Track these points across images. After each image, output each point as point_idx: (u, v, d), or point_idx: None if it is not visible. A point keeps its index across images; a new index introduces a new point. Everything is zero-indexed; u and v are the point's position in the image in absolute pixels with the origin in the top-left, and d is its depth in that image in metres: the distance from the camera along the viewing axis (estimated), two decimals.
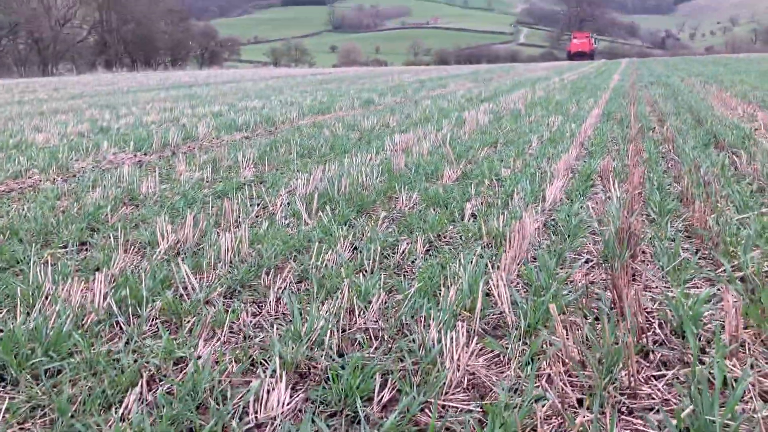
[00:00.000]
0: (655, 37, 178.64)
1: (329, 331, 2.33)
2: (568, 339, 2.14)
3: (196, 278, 2.98)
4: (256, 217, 4.25)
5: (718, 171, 5.01)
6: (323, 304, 2.65)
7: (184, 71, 49.60)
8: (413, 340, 2.29)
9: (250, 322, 2.61)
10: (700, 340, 2.29)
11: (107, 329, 2.51)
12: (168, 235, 3.59)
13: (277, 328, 2.48)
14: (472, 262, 3.00)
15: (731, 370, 2.04)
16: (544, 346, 2.25)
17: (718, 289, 2.68)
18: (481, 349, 2.29)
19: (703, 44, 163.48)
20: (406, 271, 3.15)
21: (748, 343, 2.25)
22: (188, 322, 2.58)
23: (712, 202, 3.93)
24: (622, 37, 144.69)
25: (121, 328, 2.55)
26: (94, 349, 2.29)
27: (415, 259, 3.29)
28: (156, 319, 2.64)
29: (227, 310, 2.65)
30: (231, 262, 3.28)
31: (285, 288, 2.91)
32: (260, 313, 2.71)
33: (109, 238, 3.69)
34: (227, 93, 18.93)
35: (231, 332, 2.53)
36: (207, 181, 5.48)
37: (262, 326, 2.57)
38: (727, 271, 2.84)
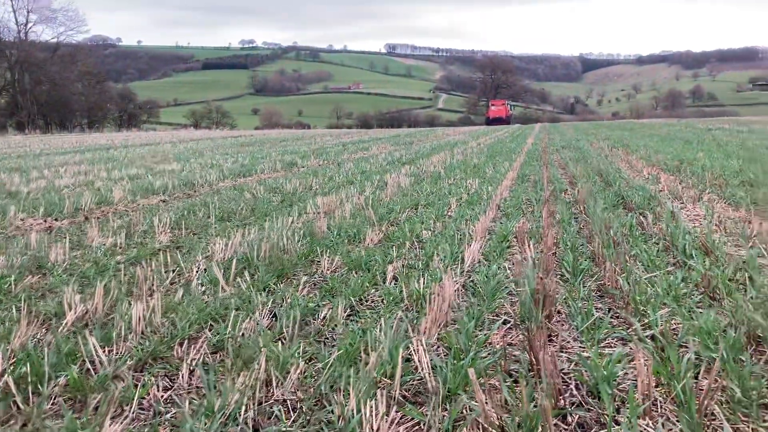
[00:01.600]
0: (565, 103, 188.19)
1: (244, 405, 2.25)
2: (487, 404, 2.13)
3: (104, 351, 2.83)
4: (171, 284, 4.11)
5: (626, 231, 5.24)
6: (239, 376, 2.56)
7: (101, 133, 48.42)
8: (332, 411, 2.23)
9: (162, 396, 2.49)
10: (615, 400, 2.33)
11: (1, 411, 2.33)
12: (76, 305, 3.41)
13: (189, 403, 2.37)
14: (393, 326, 2.98)
15: (644, 429, 2.08)
16: (465, 411, 2.24)
17: (631, 348, 2.76)
18: (401, 417, 2.25)
19: (610, 110, 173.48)
20: (327, 338, 3.10)
21: (660, 401, 2.31)
22: (94, 399, 2.43)
23: (621, 261, 4.09)
24: (535, 103, 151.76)
25: (18, 408, 2.37)
26: None
27: (336, 325, 3.24)
28: (59, 397, 2.48)
29: (137, 385, 2.52)
30: (143, 333, 3.14)
31: (199, 359, 2.80)
32: (172, 386, 2.59)
33: (11, 309, 3.47)
34: (145, 156, 18.55)
35: (141, 408, 2.40)
36: (120, 248, 5.28)
37: (174, 401, 2.45)
38: (637, 330, 2.93)
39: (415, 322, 3.20)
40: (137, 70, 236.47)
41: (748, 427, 2.15)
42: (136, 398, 2.41)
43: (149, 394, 2.48)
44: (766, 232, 4.98)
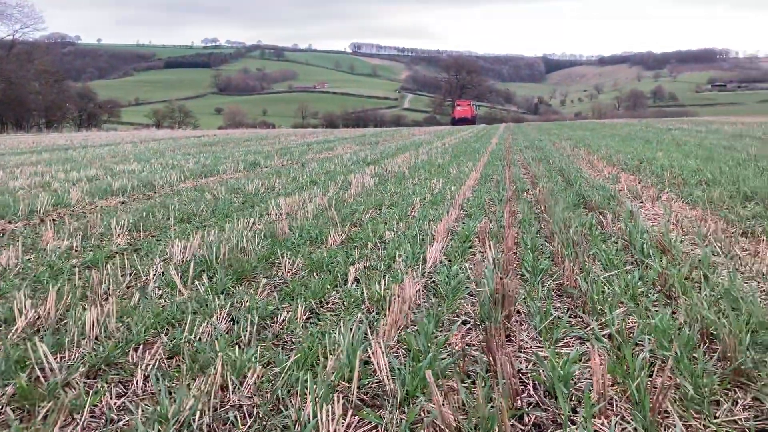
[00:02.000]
0: (529, 103, 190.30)
1: (199, 411, 2.20)
2: (444, 406, 2.13)
3: (56, 358, 2.75)
4: (128, 288, 4.02)
5: (586, 231, 5.30)
6: (195, 381, 2.51)
7: (60, 133, 47.35)
8: (289, 416, 2.20)
9: (115, 404, 2.43)
10: (571, 399, 2.35)
11: None
12: (27, 310, 3.32)
13: (143, 410, 2.31)
14: (352, 329, 2.96)
15: (599, 428, 2.10)
16: (422, 414, 2.23)
17: (588, 348, 2.78)
18: (359, 421, 2.23)
19: (573, 110, 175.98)
20: (286, 342, 3.07)
21: (615, 400, 2.34)
22: (43, 407, 2.36)
23: (580, 261, 4.13)
24: (499, 103, 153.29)
25: None
26: None
27: (296, 328, 3.21)
28: (6, 406, 2.40)
29: (89, 392, 2.46)
30: (97, 339, 3.06)
31: (154, 365, 2.74)
32: (126, 393, 2.53)
33: None
34: (105, 156, 18.20)
35: (92, 417, 2.34)
36: (76, 251, 5.16)
37: (128, 408, 2.39)
38: (594, 329, 2.96)
39: (375, 324, 3.18)
40: (97, 68, 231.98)
41: (700, 423, 2.18)
42: (87, 406, 2.34)
43: (101, 401, 2.41)
44: (721, 231, 5.08)
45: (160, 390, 2.36)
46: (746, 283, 3.78)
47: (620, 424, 2.15)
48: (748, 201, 6.54)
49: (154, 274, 4.23)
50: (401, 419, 2.20)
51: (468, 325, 3.24)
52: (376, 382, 2.52)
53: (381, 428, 2.18)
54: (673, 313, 3.22)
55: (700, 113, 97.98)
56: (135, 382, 2.59)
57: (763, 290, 3.65)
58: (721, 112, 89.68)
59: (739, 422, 2.20)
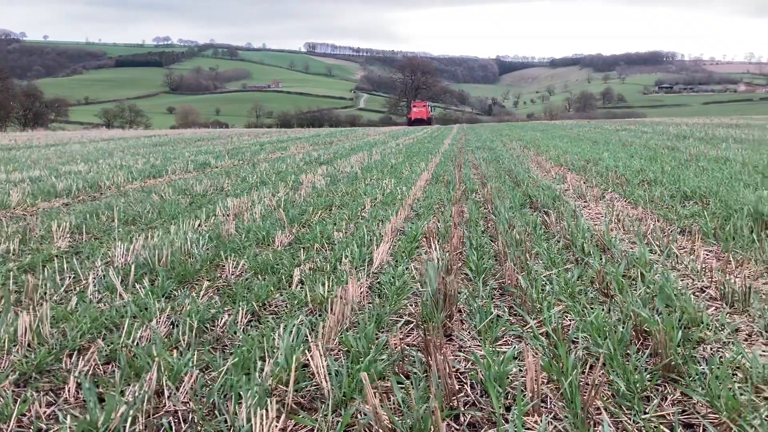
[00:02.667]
0: (483, 104, 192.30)
1: (131, 418, 2.16)
2: (380, 407, 2.13)
3: None
4: (66, 292, 3.92)
5: (530, 230, 5.38)
6: (129, 387, 2.46)
7: (3, 133, 45.91)
8: (225, 421, 2.18)
9: (44, 412, 2.36)
10: (507, 397, 2.38)
11: None
12: None
13: (73, 419, 2.26)
14: (292, 332, 2.94)
15: (532, 426, 2.13)
16: (358, 416, 2.23)
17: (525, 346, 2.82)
18: (295, 425, 2.22)
19: (525, 111, 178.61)
20: (226, 345, 3.03)
21: (549, 398, 2.38)
22: None
23: (522, 260, 4.19)
24: (454, 104, 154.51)
25: None
26: None
27: (236, 332, 3.17)
28: None
29: (17, 401, 2.38)
30: (29, 345, 2.98)
31: (88, 371, 2.68)
32: (56, 402, 2.46)
33: None
34: (51, 156, 17.72)
35: (19, 426, 2.27)
36: (14, 254, 5.01)
37: (57, 417, 2.33)
38: (532, 327, 3.01)
39: (316, 326, 3.17)
40: (44, 66, 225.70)
41: (630, 419, 2.24)
42: (14, 415, 2.28)
43: (30, 410, 2.35)
44: (660, 230, 5.22)
45: (88, 397, 2.30)
46: (681, 280, 3.89)
47: (551, 423, 2.19)
48: (687, 200, 6.74)
49: (94, 278, 4.13)
50: (336, 421, 2.20)
51: (410, 326, 3.25)
52: (314, 385, 2.51)
53: (316, 431, 2.17)
54: (609, 310, 3.30)
55: (647, 114, 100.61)
56: (67, 390, 2.52)
57: (697, 287, 3.77)
58: (668, 114, 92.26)
59: (668, 417, 2.26)
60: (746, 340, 2.94)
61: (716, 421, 2.19)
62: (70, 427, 2.17)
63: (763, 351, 2.77)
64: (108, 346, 2.96)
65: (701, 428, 2.18)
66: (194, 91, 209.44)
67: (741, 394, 2.30)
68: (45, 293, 3.83)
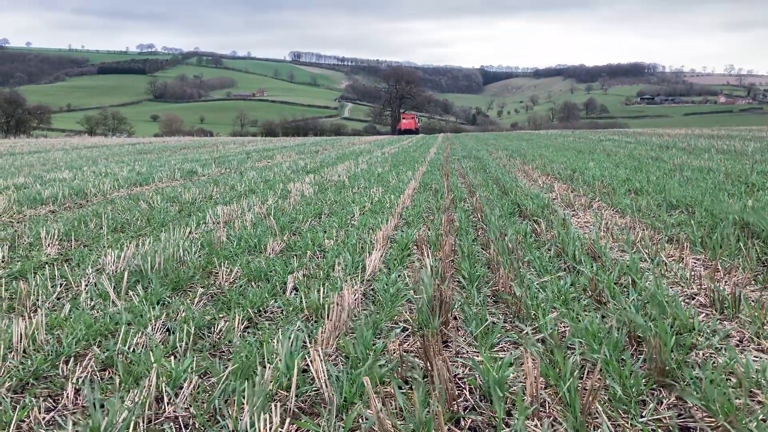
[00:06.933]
0: (467, 114, 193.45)
1: (132, 424, 2.16)
2: (382, 412, 2.15)
3: None
4: (58, 299, 3.90)
5: (521, 238, 5.43)
6: (129, 393, 2.46)
7: None
8: (226, 426, 2.18)
9: (44, 418, 2.35)
10: (506, 402, 2.41)
11: None
12: None
13: (74, 424, 2.25)
14: (290, 337, 2.95)
15: (533, 430, 2.16)
16: (360, 420, 2.24)
17: (522, 352, 2.85)
18: (297, 430, 2.23)
19: (509, 120, 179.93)
20: (223, 352, 3.03)
21: (548, 402, 2.40)
22: None
23: (515, 267, 4.23)
24: (438, 114, 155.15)
25: None
26: None
27: (233, 338, 3.17)
28: None
29: (16, 407, 2.37)
30: (25, 352, 2.96)
31: (86, 377, 2.67)
32: (56, 407, 2.45)
33: None
34: (34, 164, 17.56)
35: None
36: (3, 261, 4.97)
37: (58, 423, 2.32)
38: (528, 333, 3.04)
39: (313, 332, 3.18)
40: (26, 73, 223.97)
41: (628, 423, 2.27)
42: (14, 422, 2.26)
43: (29, 416, 2.33)
44: (648, 238, 5.29)
45: (91, 402, 2.29)
46: (671, 287, 3.95)
47: (552, 426, 2.22)
48: (673, 209, 6.83)
49: (86, 285, 4.12)
50: (339, 426, 2.21)
51: (407, 332, 3.27)
52: (315, 390, 2.52)
53: None
54: (603, 317, 3.34)
55: (630, 125, 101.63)
56: (66, 396, 2.51)
57: (687, 294, 3.82)
58: (650, 124, 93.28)
59: (664, 420, 2.30)
60: (737, 345, 2.99)
61: (712, 424, 2.23)
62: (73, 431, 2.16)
63: (755, 357, 2.82)
64: (104, 352, 2.95)
65: (697, 431, 2.22)
66: (178, 99, 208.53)
67: (736, 398, 2.34)
68: (38, 300, 3.80)
